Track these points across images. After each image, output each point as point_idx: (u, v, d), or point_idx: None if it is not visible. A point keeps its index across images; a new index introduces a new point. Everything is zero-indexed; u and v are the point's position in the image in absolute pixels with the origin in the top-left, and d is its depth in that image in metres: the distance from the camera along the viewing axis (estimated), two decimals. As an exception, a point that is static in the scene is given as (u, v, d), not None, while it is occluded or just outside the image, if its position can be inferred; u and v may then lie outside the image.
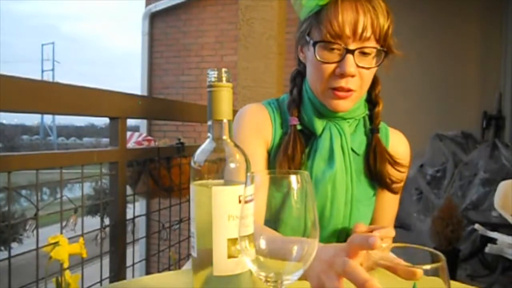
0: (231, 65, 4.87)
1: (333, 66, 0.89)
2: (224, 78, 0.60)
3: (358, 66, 0.88)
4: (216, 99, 0.60)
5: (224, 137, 0.61)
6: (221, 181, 0.59)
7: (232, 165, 0.60)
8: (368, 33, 0.86)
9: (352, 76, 0.88)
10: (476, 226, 3.26)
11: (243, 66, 2.57)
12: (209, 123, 0.61)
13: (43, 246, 1.07)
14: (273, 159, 0.98)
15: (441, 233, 3.42)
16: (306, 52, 0.95)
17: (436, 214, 3.58)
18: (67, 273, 0.94)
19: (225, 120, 0.61)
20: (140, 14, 5.65)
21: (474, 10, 4.85)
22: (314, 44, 0.89)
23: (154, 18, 5.60)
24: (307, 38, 0.92)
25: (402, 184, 1.00)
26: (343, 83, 0.88)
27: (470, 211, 3.88)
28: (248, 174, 0.52)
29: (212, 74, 0.60)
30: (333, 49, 0.88)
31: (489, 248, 3.09)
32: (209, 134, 0.61)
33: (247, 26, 2.58)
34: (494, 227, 3.24)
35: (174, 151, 1.99)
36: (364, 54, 0.88)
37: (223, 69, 0.60)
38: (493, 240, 3.12)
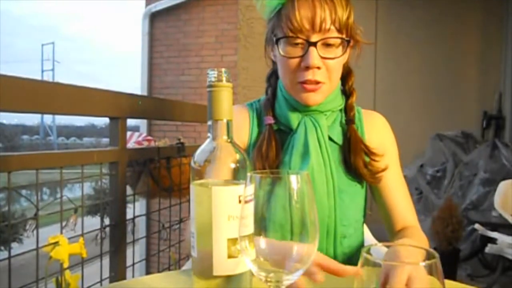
0: (231, 65, 4.87)
1: (297, 60, 0.91)
2: (224, 78, 0.60)
3: (322, 57, 0.90)
4: (216, 99, 0.60)
5: (224, 137, 0.61)
6: (221, 181, 0.59)
7: (232, 165, 0.60)
8: (327, 24, 0.89)
9: (318, 68, 0.90)
10: (476, 226, 3.25)
11: (243, 66, 2.57)
12: (209, 123, 0.61)
13: (43, 246, 1.07)
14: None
15: (441, 233, 3.41)
16: (274, 50, 0.98)
17: (436, 214, 3.58)
18: (67, 273, 0.94)
19: (225, 120, 0.61)
20: (140, 14, 5.65)
21: (474, 10, 4.85)
22: (277, 40, 0.93)
23: (154, 18, 5.60)
24: (272, 36, 0.96)
25: (382, 174, 0.99)
26: (309, 75, 0.90)
27: (470, 211, 3.88)
28: (248, 174, 0.52)
29: (212, 74, 0.60)
30: (296, 44, 0.90)
31: (489, 248, 3.08)
32: (209, 134, 0.61)
33: (247, 26, 2.58)
34: (494, 227, 3.23)
35: (174, 151, 1.99)
36: (327, 45, 0.91)
37: (223, 69, 0.60)
38: (493, 240, 3.11)
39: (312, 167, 0.93)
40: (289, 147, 0.97)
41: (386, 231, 1.07)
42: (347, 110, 1.01)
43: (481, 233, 3.26)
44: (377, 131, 1.04)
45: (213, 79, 0.60)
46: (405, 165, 4.90)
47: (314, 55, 0.89)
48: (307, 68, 0.90)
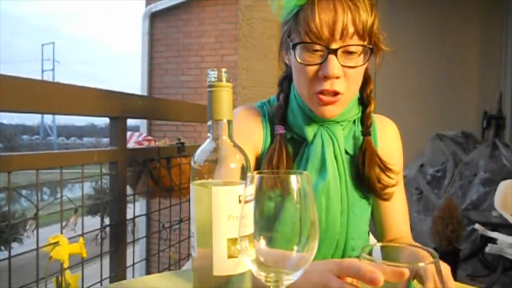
0: (231, 65, 4.87)
1: (315, 68, 0.84)
2: (224, 78, 0.60)
3: (343, 66, 0.83)
4: (216, 99, 0.60)
5: (224, 137, 0.61)
6: (221, 181, 0.59)
7: (232, 165, 0.60)
8: (350, 31, 0.81)
9: (337, 77, 0.83)
10: (476, 226, 3.25)
11: (243, 66, 2.57)
12: (209, 123, 0.61)
13: (43, 246, 1.07)
14: (259, 169, 0.94)
15: (441, 233, 3.42)
16: (289, 55, 0.91)
17: (436, 214, 3.58)
18: (67, 273, 0.94)
19: (225, 120, 0.61)
20: (140, 14, 5.65)
21: (474, 10, 4.85)
22: (294, 46, 0.85)
23: (154, 18, 5.60)
24: (288, 40, 0.89)
25: (393, 190, 0.95)
26: (328, 85, 0.83)
27: (470, 211, 3.88)
28: (248, 174, 0.52)
29: (212, 74, 0.60)
30: (314, 50, 0.83)
31: (489, 248, 3.08)
32: (209, 134, 0.61)
33: (247, 26, 2.57)
34: (494, 227, 3.23)
35: (174, 151, 1.99)
36: (349, 53, 0.83)
37: (223, 69, 0.60)
38: (493, 240, 3.11)
39: (328, 183, 0.89)
40: (303, 159, 0.92)
41: (377, 237, 1.05)
42: (364, 120, 0.95)
43: (481, 233, 3.26)
44: (388, 141, 1.00)
45: (213, 79, 0.60)
46: (405, 165, 4.88)
47: (334, 64, 0.81)
48: (326, 78, 0.83)
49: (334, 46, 0.82)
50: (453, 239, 3.40)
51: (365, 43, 0.84)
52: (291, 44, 0.87)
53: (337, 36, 0.81)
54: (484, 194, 3.98)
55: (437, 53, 4.81)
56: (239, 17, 2.61)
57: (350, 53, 0.84)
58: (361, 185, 0.95)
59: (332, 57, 0.82)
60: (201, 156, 0.60)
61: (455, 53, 4.85)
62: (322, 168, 0.90)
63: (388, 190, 0.94)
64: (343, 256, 0.93)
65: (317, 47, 0.83)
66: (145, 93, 5.57)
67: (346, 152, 0.94)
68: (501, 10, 4.79)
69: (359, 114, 0.96)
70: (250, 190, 0.50)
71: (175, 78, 5.53)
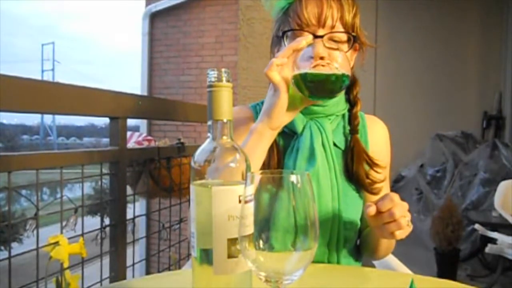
0: (231, 65, 4.87)
1: None
2: (224, 78, 0.60)
3: (328, 48, 0.87)
4: (216, 99, 0.60)
5: (224, 137, 0.61)
6: (221, 181, 0.59)
7: (232, 165, 0.60)
8: (334, 21, 0.90)
9: (322, 58, 0.86)
10: (476, 226, 3.25)
11: (243, 66, 2.57)
12: (209, 123, 0.61)
13: (43, 246, 1.07)
14: None
15: (441, 233, 3.42)
16: (280, 50, 0.97)
17: (436, 214, 3.58)
18: (67, 273, 0.94)
19: (225, 120, 0.61)
20: (140, 14, 5.65)
21: (474, 10, 4.85)
22: (283, 33, 0.93)
23: (154, 18, 5.60)
24: (279, 33, 0.96)
25: (382, 185, 0.99)
26: (313, 65, 0.88)
27: (470, 211, 3.88)
28: (248, 173, 0.52)
29: (212, 74, 0.60)
30: None
31: (489, 248, 3.09)
32: (209, 134, 0.61)
33: (247, 26, 2.57)
34: (494, 227, 3.24)
35: (174, 151, 1.99)
36: (333, 41, 0.91)
37: (223, 69, 0.60)
38: (493, 240, 3.12)
39: (317, 171, 0.93)
40: (293, 151, 0.97)
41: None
42: (351, 119, 1.01)
43: (481, 233, 3.26)
44: (378, 140, 1.04)
45: (213, 79, 0.60)
46: (405, 165, 4.90)
47: (320, 45, 0.86)
48: (311, 58, 0.88)
49: (320, 33, 0.90)
50: (453, 239, 3.40)
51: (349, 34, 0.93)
52: (281, 33, 0.94)
53: (322, 23, 0.90)
54: (484, 194, 3.98)
55: (437, 53, 4.81)
56: (239, 17, 2.61)
57: (335, 42, 0.91)
58: (350, 180, 0.99)
59: (318, 40, 0.90)
60: (201, 156, 0.60)
61: (455, 53, 4.85)
62: (311, 156, 0.95)
63: (376, 185, 0.98)
64: (337, 247, 0.95)
65: (305, 34, 0.90)
66: (145, 93, 5.56)
67: (336, 146, 0.99)
68: (501, 10, 4.79)
69: (346, 110, 1.02)
70: (250, 190, 0.50)
71: (175, 78, 5.53)
